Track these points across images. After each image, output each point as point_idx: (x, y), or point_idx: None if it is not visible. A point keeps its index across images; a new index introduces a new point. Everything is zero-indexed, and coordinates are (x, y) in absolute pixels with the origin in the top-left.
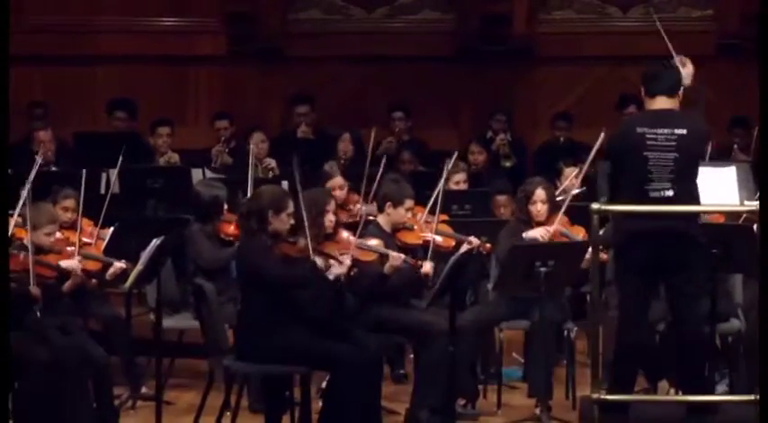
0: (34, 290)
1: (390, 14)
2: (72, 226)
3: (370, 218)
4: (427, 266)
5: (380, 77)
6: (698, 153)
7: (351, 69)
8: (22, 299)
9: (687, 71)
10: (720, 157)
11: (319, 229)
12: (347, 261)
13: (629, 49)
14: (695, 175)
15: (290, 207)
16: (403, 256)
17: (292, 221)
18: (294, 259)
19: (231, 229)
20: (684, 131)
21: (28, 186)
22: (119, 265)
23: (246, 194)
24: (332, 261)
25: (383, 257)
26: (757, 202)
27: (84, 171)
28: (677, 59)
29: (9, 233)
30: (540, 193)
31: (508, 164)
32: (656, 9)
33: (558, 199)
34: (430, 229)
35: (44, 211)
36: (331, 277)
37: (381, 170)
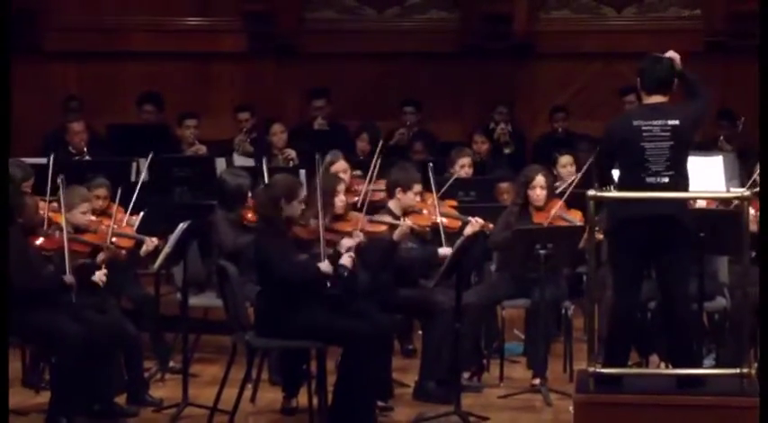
0: (68, 278)
1: (400, 14)
2: (104, 212)
3: (376, 192)
4: (445, 251)
5: (391, 72)
6: (689, 141)
7: (363, 65)
8: (58, 283)
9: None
10: (707, 148)
11: (330, 209)
12: (358, 235)
13: (623, 46)
14: (686, 162)
15: (302, 194)
16: (410, 223)
17: (303, 207)
18: (306, 241)
19: (252, 215)
20: (677, 122)
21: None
22: (151, 241)
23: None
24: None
25: (393, 227)
26: (742, 189)
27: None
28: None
29: (44, 219)
30: (539, 179)
31: (508, 150)
32: (647, 9)
33: (559, 189)
34: (437, 213)
35: (77, 192)
36: (343, 250)
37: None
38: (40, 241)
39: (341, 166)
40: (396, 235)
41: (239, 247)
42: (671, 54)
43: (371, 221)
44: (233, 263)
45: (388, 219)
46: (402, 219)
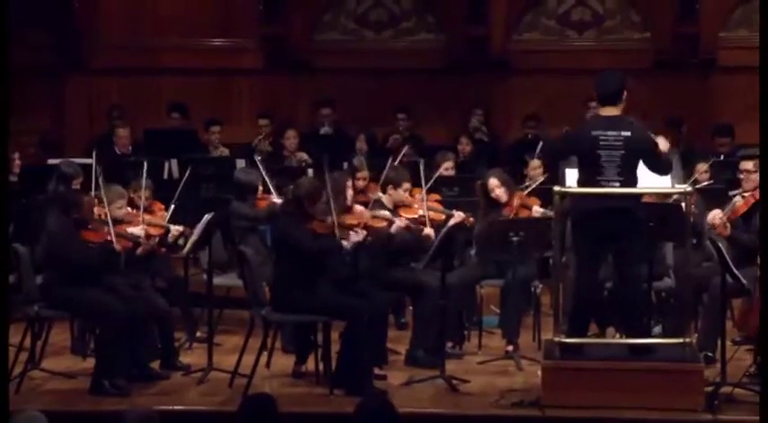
0: (117, 246)
1: (394, 36)
2: (146, 209)
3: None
4: (428, 231)
5: (387, 85)
6: (639, 151)
7: (364, 79)
8: (107, 257)
9: (663, 145)
10: None
11: (342, 202)
12: (362, 232)
13: (584, 63)
14: (636, 168)
15: (324, 197)
16: (406, 220)
17: (324, 206)
18: (321, 235)
19: (264, 205)
20: (629, 134)
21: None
22: (176, 228)
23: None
24: (351, 232)
25: (391, 222)
26: (685, 186)
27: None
28: (660, 141)
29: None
30: (493, 181)
31: (478, 136)
32: (605, 32)
33: (529, 188)
34: (423, 206)
35: (114, 190)
36: (350, 244)
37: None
38: (89, 235)
39: (363, 174)
40: (393, 229)
41: (259, 213)
42: (660, 141)
43: (374, 217)
44: (250, 247)
45: (387, 215)
46: (399, 216)
